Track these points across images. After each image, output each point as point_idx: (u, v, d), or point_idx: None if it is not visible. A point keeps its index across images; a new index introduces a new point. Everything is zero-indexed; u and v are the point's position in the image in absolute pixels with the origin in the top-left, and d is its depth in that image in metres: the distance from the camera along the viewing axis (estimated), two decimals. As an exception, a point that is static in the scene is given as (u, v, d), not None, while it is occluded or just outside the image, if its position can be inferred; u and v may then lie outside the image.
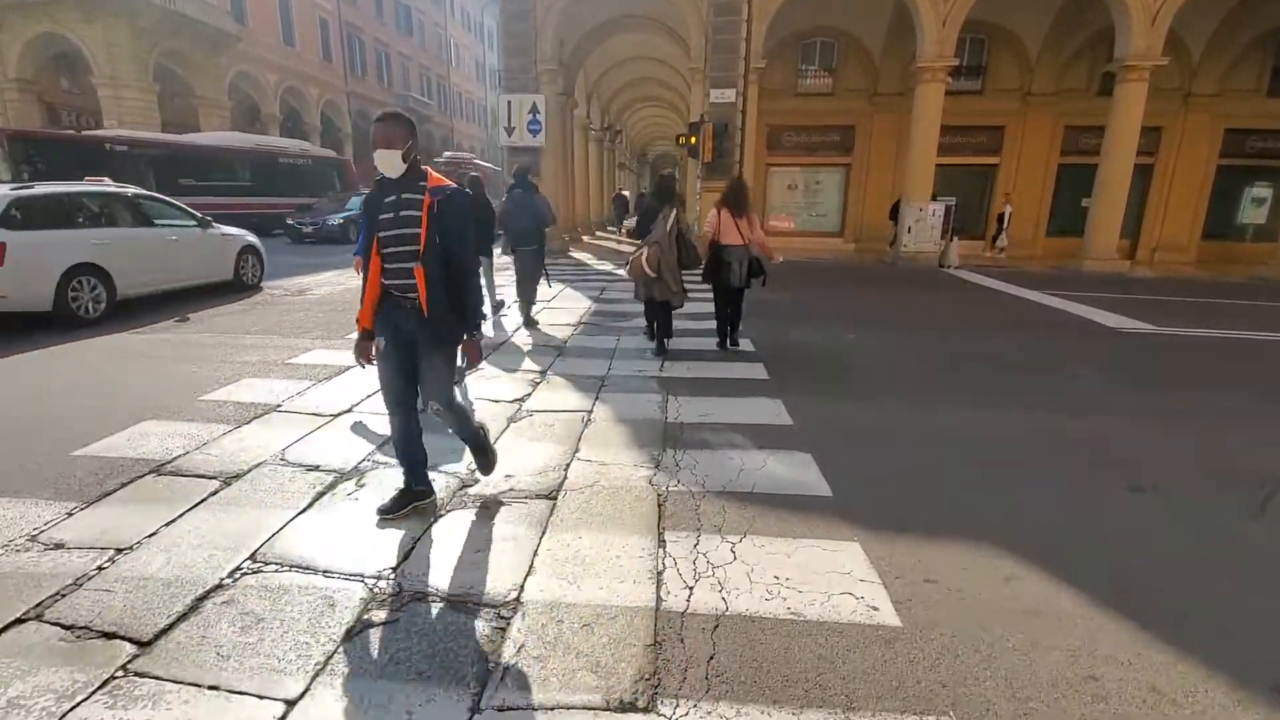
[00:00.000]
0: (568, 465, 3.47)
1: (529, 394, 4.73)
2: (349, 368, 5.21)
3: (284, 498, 3.03)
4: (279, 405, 4.35)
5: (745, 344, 6.39)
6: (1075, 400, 4.92)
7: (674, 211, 5.74)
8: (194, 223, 8.60)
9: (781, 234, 19.38)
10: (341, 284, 10.09)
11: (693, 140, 14.28)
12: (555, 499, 3.07)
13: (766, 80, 16.97)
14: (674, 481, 3.28)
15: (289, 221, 17.36)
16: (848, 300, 9.74)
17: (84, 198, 7.45)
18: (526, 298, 7.26)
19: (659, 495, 3.12)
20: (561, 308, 8.38)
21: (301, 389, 4.71)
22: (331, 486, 3.16)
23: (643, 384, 5.03)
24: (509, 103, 14.68)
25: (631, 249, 6.00)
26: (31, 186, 7.08)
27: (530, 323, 7.21)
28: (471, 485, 3.20)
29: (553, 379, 5.15)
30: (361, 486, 3.17)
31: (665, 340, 5.99)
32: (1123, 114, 13.70)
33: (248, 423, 4.01)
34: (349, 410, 4.29)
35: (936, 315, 8.52)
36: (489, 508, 2.97)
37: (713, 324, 6.40)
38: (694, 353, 6.04)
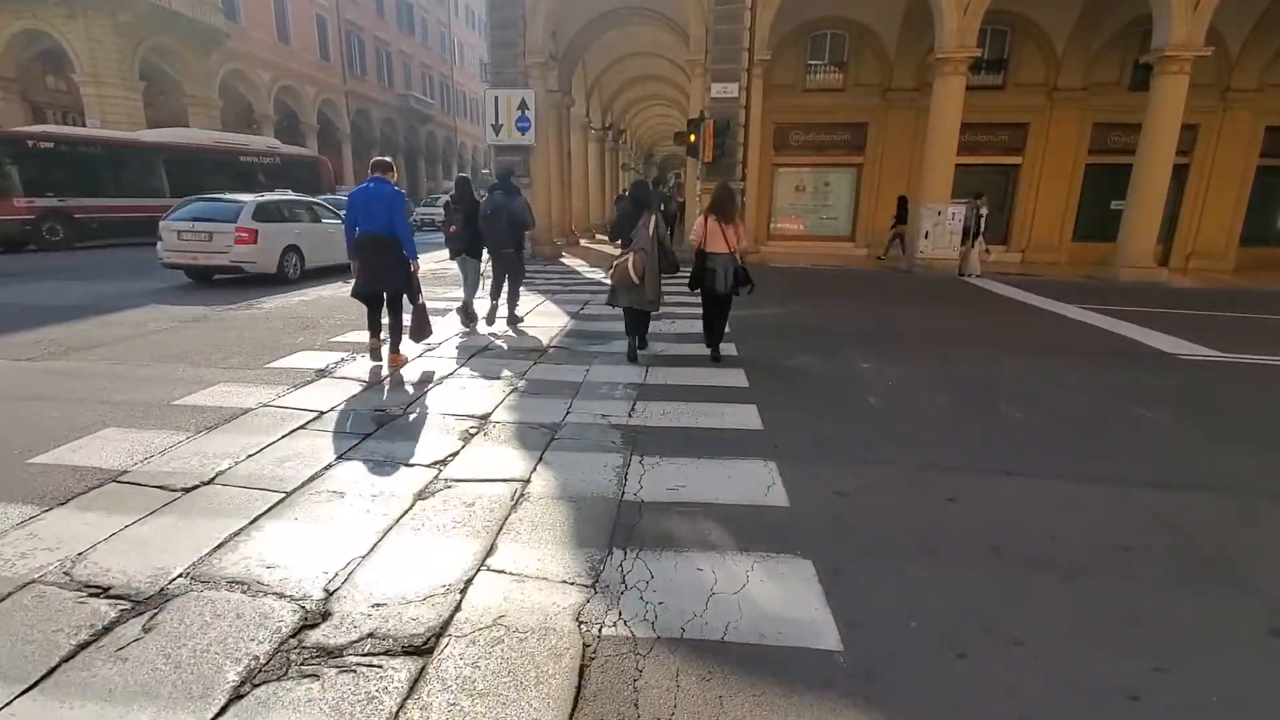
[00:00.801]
0: (470, 580, 2.48)
1: (456, 453, 3.74)
2: (246, 409, 4.27)
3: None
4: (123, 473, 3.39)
5: (739, 377, 5.39)
6: (1166, 465, 3.86)
7: (654, 217, 5.71)
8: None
9: (790, 238, 18.36)
10: (299, 298, 9.16)
11: (691, 138, 13.28)
12: (429, 654, 2.07)
13: (773, 76, 15.94)
14: (613, 616, 2.27)
15: None
16: (861, 315, 8.69)
17: (288, 203, 11.21)
18: (510, 299, 7.28)
19: (586, 646, 2.12)
20: (533, 325, 7.40)
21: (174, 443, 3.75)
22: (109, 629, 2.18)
23: (602, 436, 4.02)
24: (496, 98, 13.75)
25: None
26: (263, 196, 11.01)
27: (514, 320, 7.31)
28: (316, 624, 2.21)
29: (493, 428, 4.15)
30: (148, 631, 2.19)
31: (640, 345, 6.06)
32: (1161, 109, 12.55)
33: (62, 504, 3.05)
34: (209, 482, 3.31)
35: (966, 336, 7.43)
36: (320, 677, 1.97)
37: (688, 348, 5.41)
38: (674, 388, 5.05)
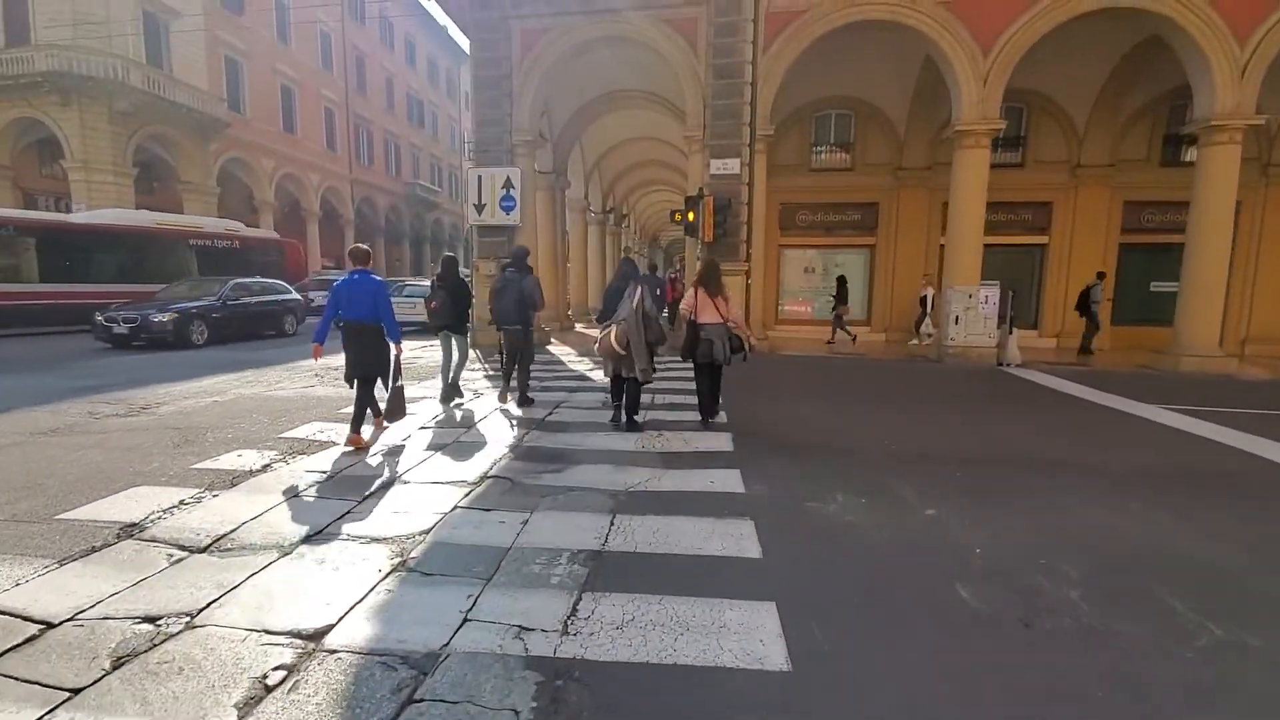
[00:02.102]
0: None
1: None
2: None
3: None
4: None
5: (750, 539, 3.60)
6: None
7: (639, 290, 5.84)
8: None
9: (800, 322, 16.96)
10: (213, 398, 7.60)
11: (690, 217, 12.10)
12: None
13: (777, 155, 15.09)
14: None
15: (97, 317, 12.28)
16: (901, 423, 6.96)
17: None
18: (520, 378, 7.22)
19: None
20: (470, 443, 5.72)
21: None
22: None
23: (501, 690, 2.24)
24: (479, 177, 12.77)
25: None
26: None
27: (525, 401, 7.17)
28: None
29: (317, 668, 2.38)
30: None
31: (635, 416, 6.13)
32: (1211, 183, 11.29)
33: None
34: None
35: (1049, 459, 5.58)
36: None
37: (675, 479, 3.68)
38: (650, 561, 3.28)
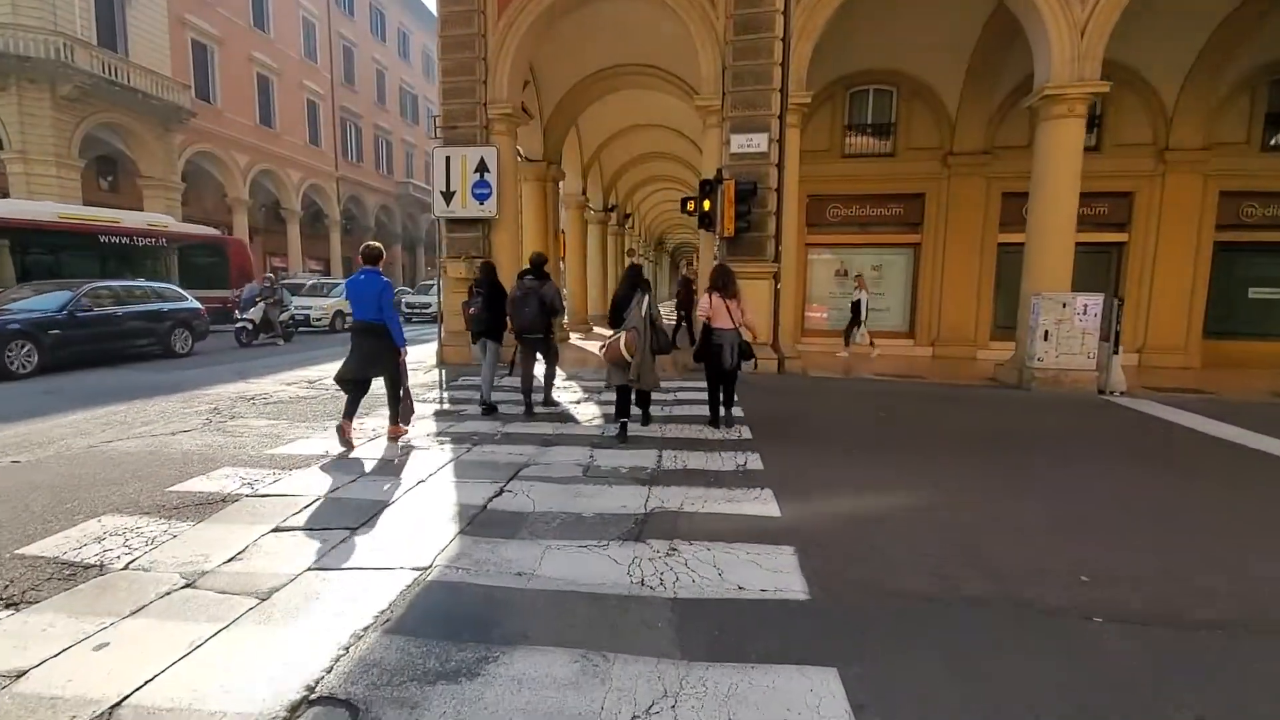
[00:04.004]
0: None
1: None
2: None
3: None
4: None
5: None
6: None
7: (646, 297, 5.78)
8: None
9: (829, 334, 14.53)
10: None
11: (705, 206, 9.73)
12: None
13: (803, 140, 12.74)
14: None
15: None
16: (1027, 499, 4.56)
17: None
18: (545, 381, 7.26)
19: None
20: (398, 537, 3.39)
21: None
22: None
23: None
24: (446, 159, 10.44)
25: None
26: None
27: (551, 403, 7.22)
28: None
29: None
30: None
31: (646, 419, 6.29)
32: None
33: None
34: None
35: (1245, 544, 3.28)
36: None
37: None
38: None
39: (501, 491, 4.38)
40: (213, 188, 25.96)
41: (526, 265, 6.92)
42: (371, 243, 5.62)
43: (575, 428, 6.40)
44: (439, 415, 6.96)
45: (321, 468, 4.92)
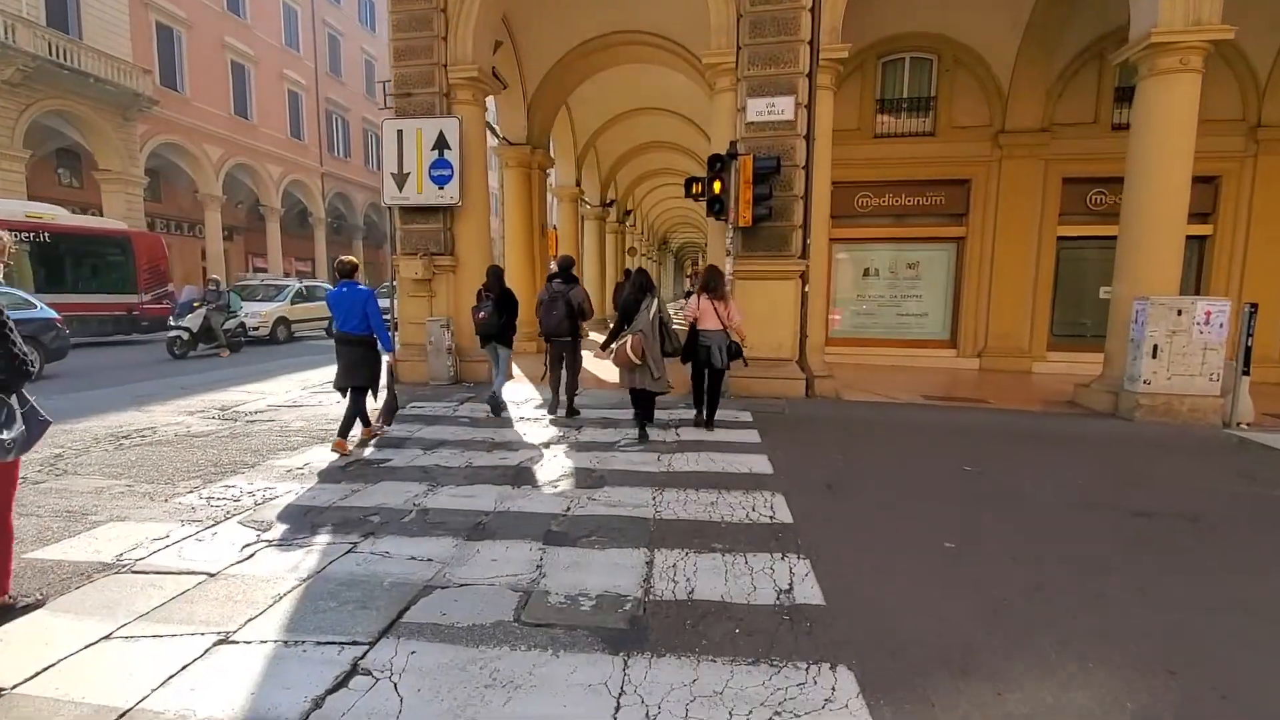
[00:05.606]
0: None
1: None
2: None
3: None
4: None
5: None
6: None
7: (655, 301, 5.93)
8: None
9: (855, 342, 12.56)
10: None
11: (716, 188, 7.78)
12: None
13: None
14: None
15: None
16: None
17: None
18: (569, 388, 7.04)
19: None
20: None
21: None
22: None
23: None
24: (398, 133, 8.54)
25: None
26: None
27: (573, 412, 7.01)
28: None
29: None
30: None
31: (646, 426, 6.09)
32: None
33: None
34: None
35: None
36: None
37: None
38: None
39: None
40: (185, 183, 24.22)
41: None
42: (345, 257, 5.78)
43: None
44: (341, 472, 5.05)
45: (85, 589, 3.00)
